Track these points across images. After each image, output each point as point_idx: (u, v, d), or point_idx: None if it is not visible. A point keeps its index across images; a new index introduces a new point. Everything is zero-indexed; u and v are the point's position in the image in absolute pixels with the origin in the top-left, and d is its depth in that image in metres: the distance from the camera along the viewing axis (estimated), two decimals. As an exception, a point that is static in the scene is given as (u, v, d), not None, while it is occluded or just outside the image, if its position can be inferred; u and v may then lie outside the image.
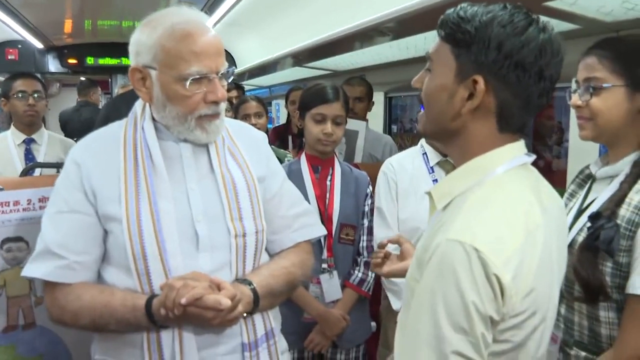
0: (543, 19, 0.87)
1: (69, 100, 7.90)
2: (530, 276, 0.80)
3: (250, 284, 1.21)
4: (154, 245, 1.16)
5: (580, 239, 1.24)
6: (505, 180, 0.86)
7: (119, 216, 1.17)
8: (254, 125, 2.57)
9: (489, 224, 0.80)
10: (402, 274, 1.29)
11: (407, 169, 1.88)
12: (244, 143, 1.36)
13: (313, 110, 1.88)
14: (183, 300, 1.06)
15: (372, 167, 2.44)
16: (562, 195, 1.31)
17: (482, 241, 0.77)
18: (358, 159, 2.76)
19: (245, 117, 2.67)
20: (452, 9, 0.88)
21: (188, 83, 1.15)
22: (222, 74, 1.20)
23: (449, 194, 0.90)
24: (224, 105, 1.25)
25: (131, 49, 1.22)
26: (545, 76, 0.84)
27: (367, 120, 2.98)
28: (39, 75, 6.45)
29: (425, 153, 1.88)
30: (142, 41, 1.19)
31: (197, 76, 1.16)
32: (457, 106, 0.87)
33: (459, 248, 0.77)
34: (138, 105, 1.31)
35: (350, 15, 2.68)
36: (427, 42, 2.46)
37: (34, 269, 1.19)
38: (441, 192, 0.92)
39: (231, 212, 1.24)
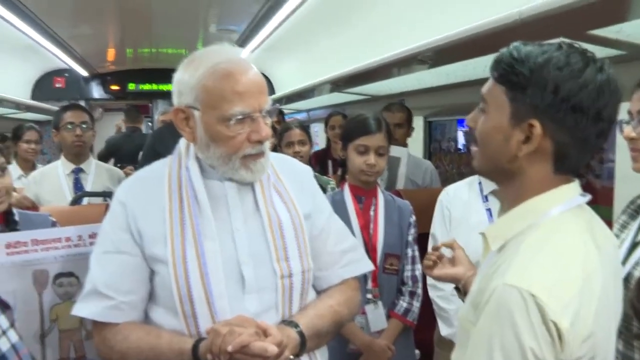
0: (598, 53, 0.84)
1: (111, 125, 8.15)
2: (588, 320, 0.78)
3: (296, 326, 1.18)
4: (200, 287, 1.15)
5: (637, 273, 1.19)
6: (560, 223, 0.84)
7: (164, 258, 1.17)
8: (297, 153, 2.58)
9: (546, 269, 0.78)
10: (451, 279, 1.30)
11: (462, 198, 1.87)
12: (289, 178, 1.35)
13: (356, 142, 1.87)
14: (229, 348, 1.04)
15: (414, 194, 2.43)
16: (605, 214, 1.26)
17: (539, 287, 0.75)
18: (400, 185, 2.74)
19: (289, 145, 2.65)
20: (505, 49, 0.86)
21: (231, 123, 1.15)
22: (265, 111, 1.19)
23: (503, 235, 0.88)
24: (268, 144, 1.23)
25: (174, 88, 1.23)
26: (603, 117, 0.81)
27: (407, 146, 2.98)
28: (83, 102, 6.73)
29: (481, 182, 1.86)
30: (185, 81, 1.19)
31: (240, 116, 1.15)
32: (512, 149, 0.85)
33: (516, 294, 0.75)
34: (182, 143, 1.31)
35: (387, 44, 2.71)
36: (466, 69, 2.44)
37: (83, 309, 1.20)
38: (495, 233, 0.89)
39: (277, 253, 1.22)
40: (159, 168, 1.30)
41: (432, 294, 1.90)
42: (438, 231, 1.88)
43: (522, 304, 0.74)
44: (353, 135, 1.88)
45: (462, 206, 1.86)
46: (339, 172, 3.64)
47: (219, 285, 1.16)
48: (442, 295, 1.87)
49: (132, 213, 1.21)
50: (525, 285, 0.75)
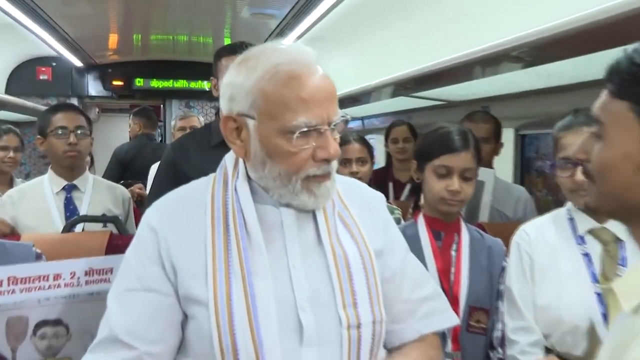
0: None
1: (110, 130, 8.11)
2: None
3: None
4: (247, 336, 1.16)
5: None
6: None
7: (204, 298, 1.19)
8: (355, 174, 2.60)
9: None
10: None
11: (548, 239, 1.85)
12: (357, 206, 1.38)
13: (435, 162, 1.88)
14: None
15: (502, 229, 2.39)
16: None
17: None
18: (483, 217, 2.72)
19: (345, 163, 2.67)
20: (621, 55, 0.86)
21: (294, 137, 1.18)
22: (334, 124, 1.23)
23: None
24: (336, 164, 1.27)
25: (224, 92, 1.27)
26: None
27: (493, 166, 2.96)
28: (75, 100, 6.68)
29: (572, 218, 1.84)
30: (238, 84, 1.23)
31: (305, 128, 1.18)
32: None
33: None
34: (229, 159, 1.35)
35: (469, 36, 2.71)
36: (577, 69, 2.42)
37: None
38: (629, 288, 0.88)
39: (343, 297, 1.24)
40: (199, 188, 1.34)
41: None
42: (515, 285, 1.85)
43: None
44: (432, 154, 1.90)
45: (548, 250, 1.83)
46: (403, 196, 3.69)
47: (271, 335, 1.18)
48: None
49: (166, 242, 1.24)
50: None
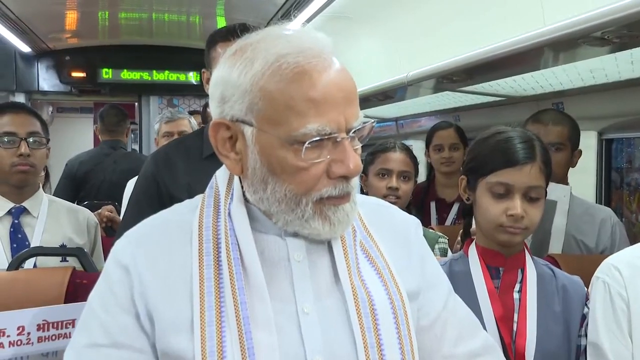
0: None
1: (68, 135, 8.12)
2: None
3: None
4: None
5: None
6: None
7: (189, 355, 1.19)
8: (395, 190, 2.65)
9: None
10: None
11: None
12: (385, 235, 1.39)
13: (491, 178, 1.88)
14: None
15: (581, 263, 2.38)
16: None
17: None
18: (556, 247, 2.71)
19: (383, 174, 2.72)
20: None
21: (304, 148, 1.18)
22: (354, 131, 1.23)
23: None
24: (357, 182, 1.27)
25: (213, 91, 1.28)
26: None
27: (567, 181, 2.95)
28: (21, 97, 6.64)
29: None
30: (231, 81, 1.23)
31: (318, 137, 1.18)
32: None
33: None
34: (220, 177, 1.36)
35: (534, 14, 2.70)
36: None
37: None
38: None
39: (367, 353, 1.24)
40: (181, 214, 1.35)
41: None
42: (606, 341, 1.77)
43: None
44: (487, 167, 1.90)
45: None
46: (449, 219, 3.67)
47: None
48: None
49: (140, 284, 1.25)
50: None
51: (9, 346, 1.50)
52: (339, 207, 1.25)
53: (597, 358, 1.80)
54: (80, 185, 4.97)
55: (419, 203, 3.77)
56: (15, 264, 2.39)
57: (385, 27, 4.59)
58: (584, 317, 1.91)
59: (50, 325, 1.47)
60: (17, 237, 2.63)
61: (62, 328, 1.57)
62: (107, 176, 4.92)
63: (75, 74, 7.11)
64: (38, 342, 1.47)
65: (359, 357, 1.24)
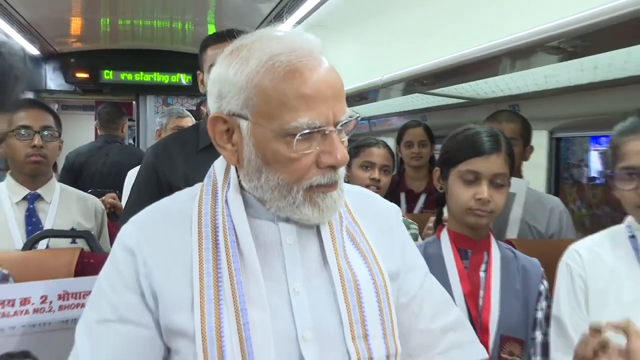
0: None
1: (72, 130, 8.01)
2: None
3: None
4: None
5: None
6: None
7: (190, 330, 1.19)
8: (377, 182, 2.70)
9: None
10: None
11: (605, 260, 1.83)
12: (369, 221, 1.38)
13: (462, 166, 1.90)
14: None
15: (534, 247, 2.40)
16: None
17: None
18: (512, 233, 2.73)
19: (367, 167, 2.76)
20: None
21: (295, 140, 1.18)
22: (342, 124, 1.22)
23: None
24: (343, 171, 1.27)
25: (211, 88, 1.27)
26: None
27: (522, 174, 2.97)
28: (30, 95, 6.46)
29: (634, 236, 1.82)
30: (228, 78, 1.23)
31: (308, 130, 1.18)
32: None
33: None
34: (218, 167, 1.35)
35: (501, 25, 2.71)
36: (631, 57, 2.40)
37: None
38: None
39: (352, 327, 1.24)
40: (182, 201, 1.34)
41: None
42: (567, 314, 1.82)
43: None
44: (458, 157, 1.92)
45: (605, 274, 1.81)
46: (416, 208, 3.68)
47: None
48: None
49: (145, 265, 1.24)
50: None
51: (34, 313, 1.49)
52: (327, 194, 1.24)
53: (558, 329, 1.84)
54: (77, 176, 4.92)
55: (389, 193, 3.76)
56: (30, 245, 2.40)
57: (361, 36, 4.58)
58: (539, 294, 1.92)
59: (70, 295, 1.46)
60: (32, 221, 2.64)
61: (79, 298, 1.57)
62: (98, 168, 4.88)
63: (79, 75, 7.08)
64: (59, 310, 1.46)
65: (345, 332, 1.23)
